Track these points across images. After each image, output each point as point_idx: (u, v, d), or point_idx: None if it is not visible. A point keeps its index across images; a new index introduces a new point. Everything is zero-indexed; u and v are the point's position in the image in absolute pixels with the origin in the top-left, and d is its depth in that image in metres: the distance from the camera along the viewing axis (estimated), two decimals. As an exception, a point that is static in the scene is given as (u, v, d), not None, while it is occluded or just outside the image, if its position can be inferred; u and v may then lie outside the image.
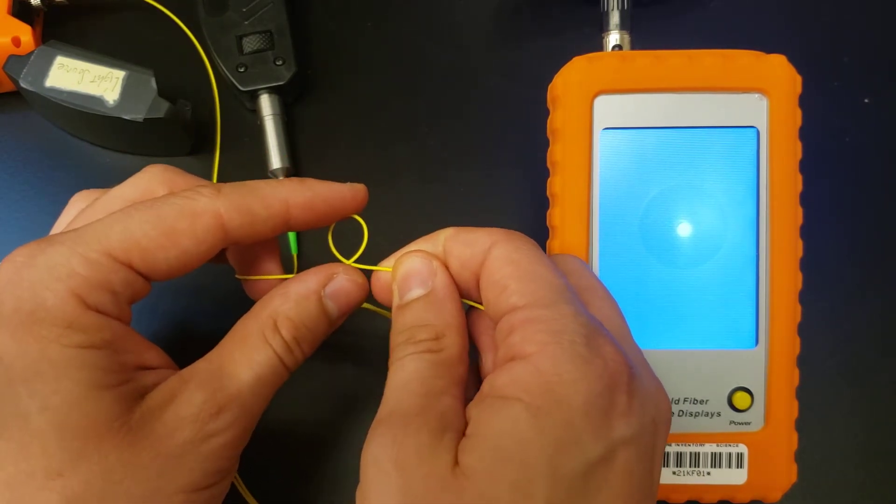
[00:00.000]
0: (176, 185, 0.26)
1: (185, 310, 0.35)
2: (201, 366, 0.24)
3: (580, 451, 0.20)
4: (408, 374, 0.22)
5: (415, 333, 0.23)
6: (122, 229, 0.22)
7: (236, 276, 0.28)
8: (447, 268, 0.25)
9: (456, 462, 0.20)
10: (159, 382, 0.23)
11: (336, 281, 0.26)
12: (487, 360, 0.25)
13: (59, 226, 0.27)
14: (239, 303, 0.27)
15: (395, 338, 0.24)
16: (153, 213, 0.23)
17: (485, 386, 0.22)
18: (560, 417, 0.20)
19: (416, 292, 0.24)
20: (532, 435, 0.20)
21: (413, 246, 0.25)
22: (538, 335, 0.21)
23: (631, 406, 0.21)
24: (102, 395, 0.21)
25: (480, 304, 0.24)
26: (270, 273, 0.28)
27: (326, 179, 0.37)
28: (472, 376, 0.25)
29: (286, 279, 0.26)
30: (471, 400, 0.22)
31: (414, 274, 0.24)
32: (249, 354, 0.24)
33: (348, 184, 0.26)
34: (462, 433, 0.21)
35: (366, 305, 0.27)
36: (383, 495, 0.20)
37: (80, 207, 0.26)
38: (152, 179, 0.26)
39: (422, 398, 0.22)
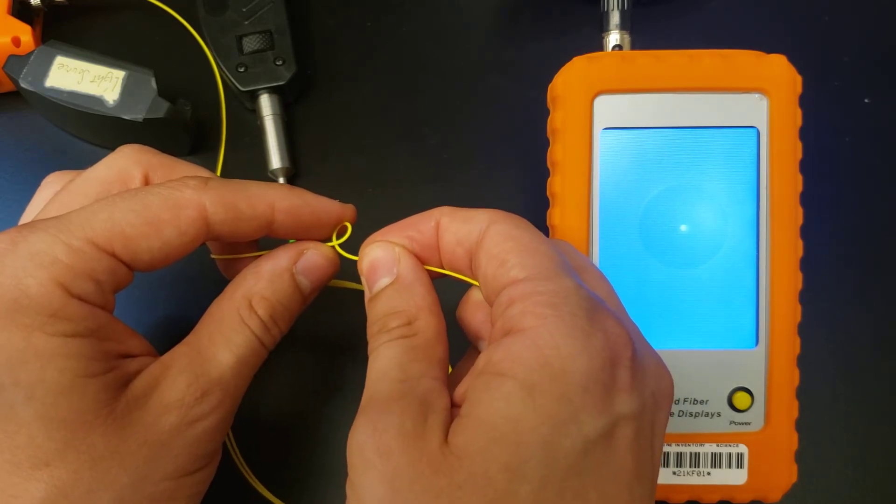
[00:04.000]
0: (150, 164, 0.26)
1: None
2: (181, 350, 0.24)
3: (577, 428, 0.19)
4: (384, 361, 0.22)
5: (387, 322, 0.23)
6: (106, 217, 0.22)
7: (211, 255, 0.28)
8: (438, 250, 0.24)
9: (446, 443, 0.20)
10: (142, 370, 0.23)
11: (307, 256, 0.26)
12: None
13: (33, 207, 0.27)
14: (213, 285, 0.27)
15: (370, 329, 0.24)
16: (138, 202, 0.23)
17: (480, 361, 0.21)
18: (556, 394, 0.19)
19: (383, 281, 0.24)
20: (526, 413, 0.19)
21: (402, 224, 0.25)
22: (538, 308, 0.20)
23: (633, 381, 0.20)
24: (88, 383, 0.21)
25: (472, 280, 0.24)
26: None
27: (327, 179, 0.38)
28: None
29: (259, 257, 0.26)
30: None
31: (378, 264, 0.24)
32: (228, 336, 0.24)
33: (338, 202, 0.26)
34: (447, 413, 0.21)
35: (348, 284, 0.27)
36: (371, 485, 0.20)
37: (54, 189, 0.26)
38: (127, 159, 0.26)
39: (400, 384, 0.21)
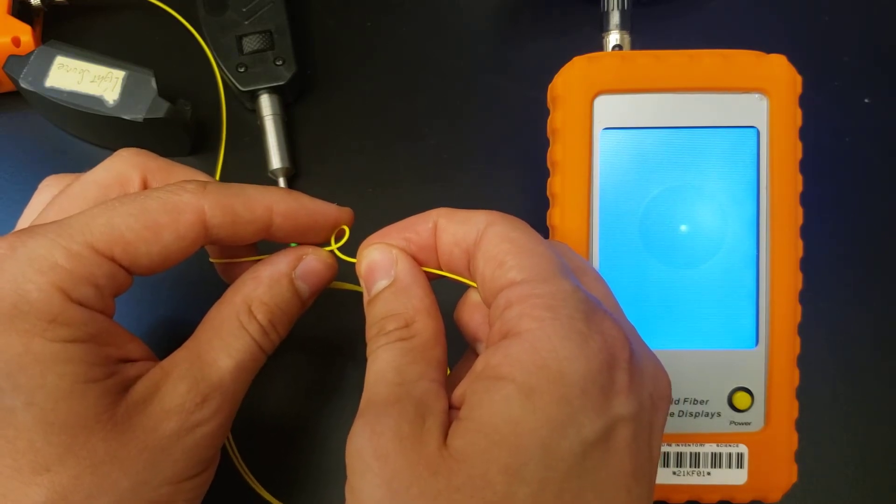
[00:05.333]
0: (148, 168, 0.26)
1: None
2: (181, 355, 0.24)
3: (576, 430, 0.19)
4: (382, 364, 0.22)
5: (385, 324, 0.23)
6: (106, 222, 0.22)
7: (210, 259, 0.28)
8: (436, 251, 0.24)
9: (444, 446, 0.20)
10: (142, 374, 0.23)
11: (306, 262, 0.26)
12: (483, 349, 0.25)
13: (31, 211, 0.27)
14: (212, 288, 0.27)
15: (368, 331, 0.24)
16: (137, 207, 0.23)
17: (478, 363, 0.21)
18: (555, 396, 0.19)
19: (381, 284, 0.24)
20: (525, 416, 0.19)
21: (399, 226, 0.25)
22: (536, 311, 0.20)
23: (630, 383, 0.20)
24: (88, 388, 0.21)
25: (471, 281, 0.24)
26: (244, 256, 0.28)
27: (327, 179, 0.38)
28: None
29: (257, 262, 0.26)
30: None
31: (376, 267, 0.24)
32: (227, 341, 0.24)
33: (336, 205, 0.27)
34: (445, 416, 0.21)
35: (347, 286, 0.27)
36: (369, 489, 0.20)
37: (52, 192, 0.26)
38: (125, 163, 0.26)
39: (397, 387, 0.21)
